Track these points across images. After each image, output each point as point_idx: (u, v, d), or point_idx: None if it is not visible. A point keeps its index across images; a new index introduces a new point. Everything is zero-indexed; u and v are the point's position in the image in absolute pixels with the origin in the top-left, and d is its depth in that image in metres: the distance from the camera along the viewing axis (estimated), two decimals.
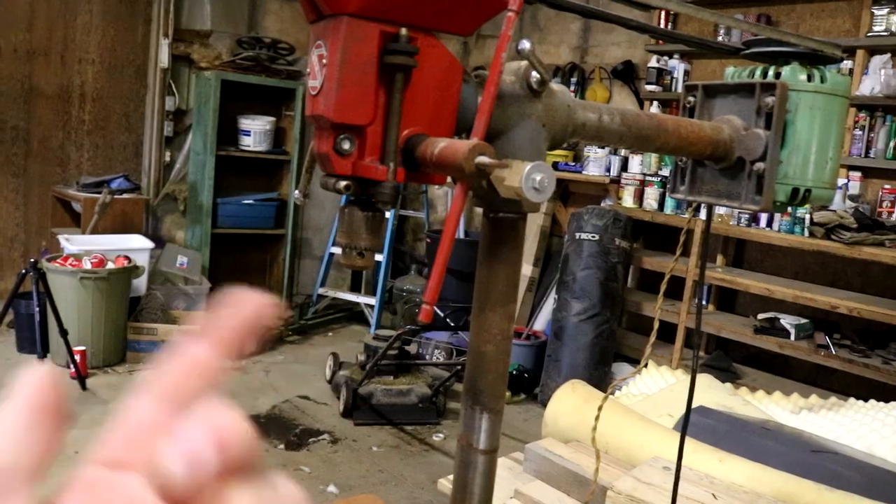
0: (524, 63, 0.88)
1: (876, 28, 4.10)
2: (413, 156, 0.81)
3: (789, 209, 4.13)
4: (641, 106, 5.19)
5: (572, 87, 5.49)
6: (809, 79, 1.15)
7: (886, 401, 2.82)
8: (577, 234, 4.50)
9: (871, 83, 4.12)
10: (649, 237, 5.02)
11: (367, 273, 6.14)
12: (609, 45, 5.51)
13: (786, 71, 1.16)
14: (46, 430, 0.26)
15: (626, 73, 5.27)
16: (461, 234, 5.94)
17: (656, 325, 1.37)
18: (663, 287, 1.38)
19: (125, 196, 5.36)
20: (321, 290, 5.71)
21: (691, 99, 1.22)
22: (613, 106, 1.05)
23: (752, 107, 1.14)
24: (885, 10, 4.05)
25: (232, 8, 6.13)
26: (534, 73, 0.87)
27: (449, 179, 0.86)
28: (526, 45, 0.82)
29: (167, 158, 5.92)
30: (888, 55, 4.09)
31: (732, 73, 1.24)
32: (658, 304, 1.43)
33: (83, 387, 4.01)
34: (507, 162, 0.80)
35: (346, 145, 0.80)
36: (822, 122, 1.15)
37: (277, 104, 5.99)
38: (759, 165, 1.11)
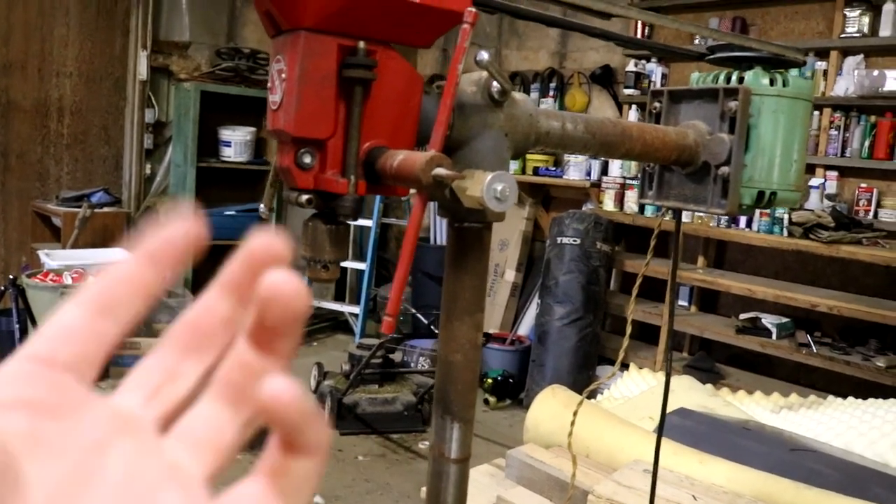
0: (485, 73, 0.89)
1: (848, 29, 4.14)
2: (374, 168, 0.81)
3: (767, 210, 4.17)
4: (620, 109, 5.22)
5: (551, 93, 5.51)
6: (772, 83, 1.16)
7: (865, 398, 2.84)
8: (559, 239, 4.51)
9: (845, 84, 4.16)
10: (631, 240, 5.04)
11: (350, 282, 6.14)
12: (587, 49, 5.54)
13: (748, 76, 1.17)
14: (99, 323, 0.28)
15: (605, 78, 5.30)
16: (443, 241, 5.94)
17: (628, 329, 1.38)
18: (636, 290, 1.39)
19: (105, 210, 5.33)
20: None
21: (657, 105, 1.23)
22: (578, 114, 1.06)
23: (717, 112, 1.15)
24: (857, 12, 4.10)
25: (211, 19, 6.12)
26: (494, 83, 0.88)
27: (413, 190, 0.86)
28: (484, 56, 0.83)
29: (148, 171, 5.90)
30: (861, 56, 4.14)
31: (697, 78, 1.25)
32: (631, 307, 1.44)
33: None
34: (465, 174, 0.80)
35: (307, 159, 0.81)
36: (785, 125, 1.16)
37: (258, 114, 5.99)
38: (724, 170, 1.12)
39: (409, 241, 0.77)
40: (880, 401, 2.57)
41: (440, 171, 0.71)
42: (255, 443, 0.30)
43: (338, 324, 5.94)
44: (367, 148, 0.82)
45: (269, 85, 0.85)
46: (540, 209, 5.50)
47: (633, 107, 5.11)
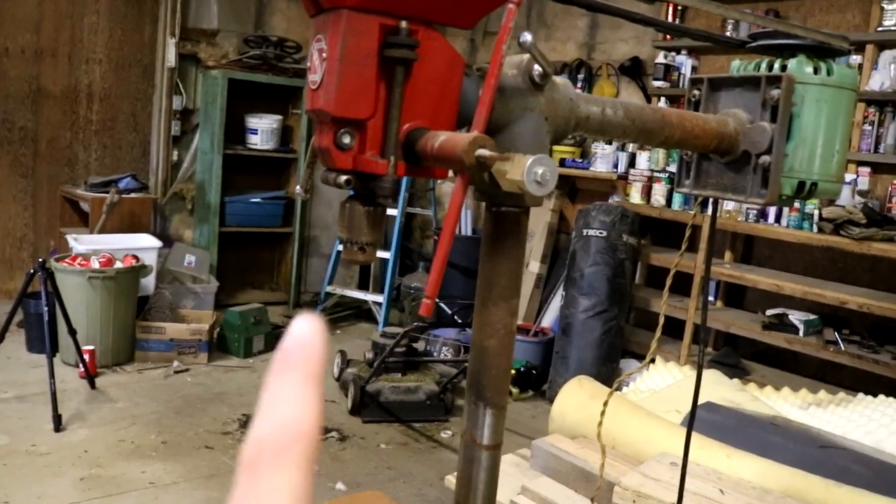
0: (526, 56, 0.88)
1: (886, 23, 4.07)
2: (414, 150, 0.80)
3: (797, 203, 4.11)
4: (649, 101, 5.17)
5: (579, 84, 5.47)
6: (816, 71, 1.14)
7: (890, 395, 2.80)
8: (585, 231, 4.49)
9: (881, 78, 4.09)
10: (657, 234, 5.00)
11: (374, 270, 6.14)
12: (616, 41, 5.49)
13: (792, 64, 1.15)
14: (318, 395, 0.27)
15: (634, 70, 5.25)
16: (468, 231, 5.93)
17: (661, 320, 1.37)
18: (668, 282, 1.37)
19: (133, 195, 5.38)
20: (329, 288, 5.71)
21: (696, 92, 1.21)
22: (618, 99, 1.04)
23: (758, 100, 1.13)
24: (895, 5, 4.02)
25: (239, 7, 6.14)
26: (536, 67, 0.87)
27: (451, 173, 0.86)
28: (528, 37, 0.82)
29: (175, 157, 5.93)
30: None
31: (738, 66, 1.23)
32: (664, 300, 1.42)
33: (92, 385, 4.02)
34: (508, 155, 0.79)
35: (347, 139, 0.80)
36: (828, 115, 1.13)
37: (285, 102, 6.00)
38: (765, 159, 1.10)
39: (449, 224, 0.76)
40: None
41: (483, 151, 0.70)
42: None
43: (361, 312, 5.95)
44: (408, 129, 0.81)
45: (308, 64, 0.84)
46: (566, 201, 5.47)
47: (663, 99, 5.06)
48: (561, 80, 0.94)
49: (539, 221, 5.32)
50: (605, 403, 1.45)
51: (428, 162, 0.79)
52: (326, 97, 0.79)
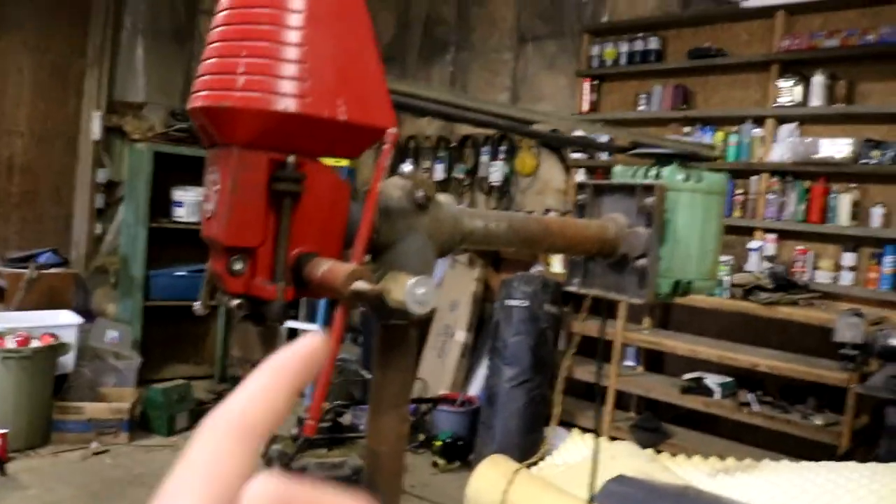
0: (410, 181, 0.95)
1: (781, 99, 4.35)
2: (301, 275, 0.86)
3: None
4: (568, 171, 5.36)
5: (501, 156, 5.64)
6: (687, 179, 1.24)
7: (806, 455, 2.92)
8: (507, 301, 4.58)
9: (781, 150, 4.35)
10: (579, 301, 5.12)
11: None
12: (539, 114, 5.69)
13: (665, 172, 1.25)
14: (279, 388, 0.31)
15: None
16: None
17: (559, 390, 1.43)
18: (570, 350, 1.44)
19: (53, 270, 5.27)
20: (249, 364, 5.64)
21: (582, 196, 1.31)
22: (502, 213, 1.12)
23: (635, 206, 1.22)
24: (790, 83, 4.31)
25: (166, 80, 6.17)
26: (419, 191, 0.94)
27: None
28: (407, 168, 0.89)
29: (98, 230, 5.85)
30: (795, 124, 4.34)
31: (619, 172, 1.33)
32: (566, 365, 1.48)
33: (2, 472, 3.87)
34: (390, 276, 0.85)
35: (238, 266, 0.85)
36: (700, 218, 1.24)
37: None
38: (642, 262, 1.19)
39: (334, 347, 0.81)
40: (812, 464, 2.65)
41: (360, 285, 0.76)
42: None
43: None
44: (296, 255, 0.86)
45: (203, 193, 0.90)
46: (490, 270, 5.57)
47: (582, 170, 5.26)
48: (445, 198, 1.02)
49: (464, 291, 5.40)
50: (511, 483, 1.50)
51: (313, 288, 0.85)
52: (219, 227, 0.85)
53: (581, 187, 1.31)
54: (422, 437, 4.74)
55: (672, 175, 1.24)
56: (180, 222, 5.70)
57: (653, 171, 1.25)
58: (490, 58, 6.05)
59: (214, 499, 0.29)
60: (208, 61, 0.85)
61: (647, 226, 1.20)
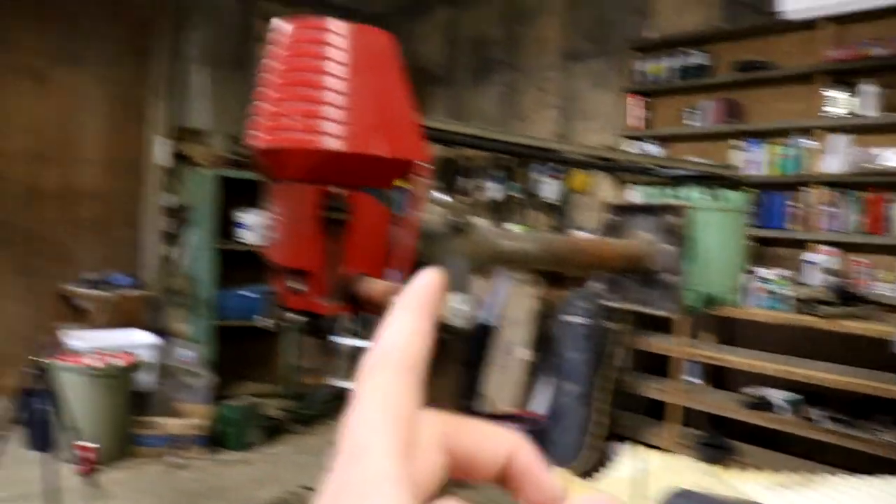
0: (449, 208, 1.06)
1: (831, 110, 4.31)
2: (352, 292, 0.98)
3: (769, 285, 4.27)
4: (620, 187, 5.41)
5: (555, 174, 5.73)
6: (710, 198, 1.33)
7: (874, 471, 2.89)
8: (567, 317, 4.64)
9: (834, 161, 4.32)
10: (637, 317, 5.15)
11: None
12: (587, 131, 5.77)
13: (691, 192, 1.34)
14: (424, 322, 0.32)
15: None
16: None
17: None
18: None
19: (127, 292, 5.55)
20: (318, 382, 5.80)
21: (612, 216, 1.40)
22: (536, 233, 1.22)
23: (663, 225, 1.31)
24: (840, 93, 4.29)
25: (225, 106, 6.45)
26: (455, 216, 1.05)
27: None
28: (443, 198, 1.00)
29: (168, 253, 6.13)
30: (847, 134, 4.31)
31: (648, 193, 1.41)
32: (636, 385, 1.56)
33: (91, 483, 4.09)
34: None
35: (297, 285, 0.97)
36: (723, 234, 1.32)
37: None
38: (670, 277, 1.27)
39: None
40: (875, 479, 2.64)
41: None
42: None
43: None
44: (347, 275, 0.98)
45: (266, 222, 1.02)
46: (550, 287, 5.63)
47: (633, 185, 5.31)
48: (481, 221, 1.12)
49: (524, 308, 5.48)
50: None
51: (362, 304, 0.96)
52: (279, 251, 0.97)
53: (611, 208, 1.40)
54: None
55: (696, 195, 1.32)
56: (244, 243, 5.92)
57: (679, 191, 1.34)
58: (538, 77, 6.16)
59: (402, 436, 0.28)
60: (264, 105, 0.97)
61: (673, 243, 1.28)
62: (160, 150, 6.12)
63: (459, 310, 0.93)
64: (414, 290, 0.33)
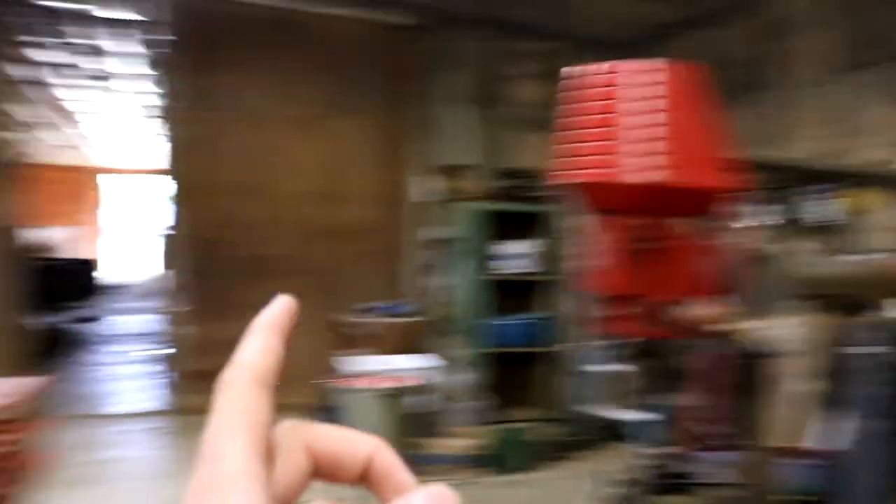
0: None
1: None
2: (672, 317, 1.01)
3: None
4: None
5: (835, 194, 5.29)
6: None
7: None
8: (856, 348, 4.24)
9: None
10: None
11: (634, 390, 6.11)
12: (862, 146, 5.31)
13: None
14: (276, 342, 0.35)
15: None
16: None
17: None
18: None
19: (404, 319, 5.94)
20: (587, 408, 5.75)
21: None
22: (859, 257, 1.17)
23: None
24: None
25: (491, 144, 6.73)
26: (756, 244, 1.04)
27: None
28: (755, 223, 1.00)
29: (431, 284, 6.48)
30: None
31: None
32: None
33: None
34: (738, 327, 0.97)
35: (622, 311, 1.03)
36: None
37: (534, 228, 6.31)
38: None
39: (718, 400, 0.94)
40: None
41: (718, 326, 0.89)
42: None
43: (619, 432, 5.86)
44: (666, 301, 1.02)
45: (589, 253, 1.09)
46: (838, 314, 5.19)
47: None
48: (793, 247, 1.11)
49: (809, 337, 5.09)
50: None
51: (682, 329, 0.99)
52: (603, 280, 1.03)
53: None
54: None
55: None
56: (512, 273, 6.09)
57: None
58: (797, 93, 5.79)
59: (256, 440, 0.30)
60: (586, 144, 1.04)
61: None
62: (417, 188, 6.55)
63: (771, 334, 0.93)
64: (267, 314, 0.36)
